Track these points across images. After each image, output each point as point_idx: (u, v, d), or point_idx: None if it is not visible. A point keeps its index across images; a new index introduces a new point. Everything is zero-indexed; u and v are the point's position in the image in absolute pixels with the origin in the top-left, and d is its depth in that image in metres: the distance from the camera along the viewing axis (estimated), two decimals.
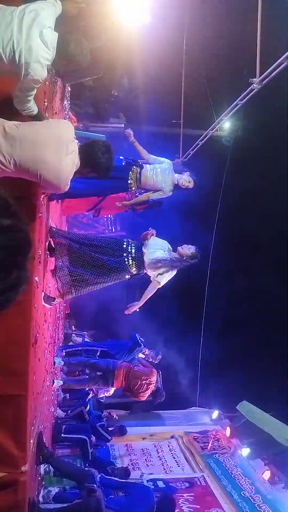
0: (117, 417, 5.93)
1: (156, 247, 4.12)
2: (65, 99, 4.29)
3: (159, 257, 4.05)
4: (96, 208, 4.73)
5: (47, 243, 3.60)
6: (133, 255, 3.97)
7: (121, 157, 4.38)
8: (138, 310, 4.38)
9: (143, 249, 4.04)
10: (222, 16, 7.16)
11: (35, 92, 2.49)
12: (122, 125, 8.30)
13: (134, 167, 4.36)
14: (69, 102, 4.71)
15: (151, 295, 4.21)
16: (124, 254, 3.94)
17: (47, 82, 2.98)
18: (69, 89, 4.63)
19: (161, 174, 4.38)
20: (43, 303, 3.46)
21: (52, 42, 2.39)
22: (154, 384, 5.52)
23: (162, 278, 4.13)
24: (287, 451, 6.04)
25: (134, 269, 3.98)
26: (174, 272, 4.19)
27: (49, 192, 3.16)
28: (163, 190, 4.43)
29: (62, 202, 4.65)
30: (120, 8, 4.34)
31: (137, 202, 4.67)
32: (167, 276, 4.15)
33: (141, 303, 4.25)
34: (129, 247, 3.99)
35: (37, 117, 2.65)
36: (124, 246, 3.99)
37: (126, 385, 5.41)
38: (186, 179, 4.46)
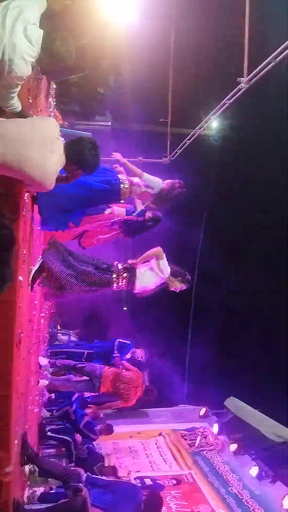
0: (103, 416, 5.91)
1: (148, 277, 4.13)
2: (50, 97, 4.25)
3: (149, 285, 4.10)
4: (80, 236, 4.63)
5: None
6: (123, 276, 3.99)
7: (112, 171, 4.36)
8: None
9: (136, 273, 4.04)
10: (210, 15, 7.18)
11: (18, 89, 2.46)
12: (109, 123, 8.27)
13: (123, 178, 4.34)
14: (54, 100, 4.67)
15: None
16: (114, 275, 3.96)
17: (31, 79, 2.95)
18: (54, 86, 4.59)
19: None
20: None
21: (36, 38, 2.36)
22: (141, 387, 5.51)
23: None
24: (274, 446, 6.12)
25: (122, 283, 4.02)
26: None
27: (34, 190, 3.13)
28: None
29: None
30: (106, 5, 4.31)
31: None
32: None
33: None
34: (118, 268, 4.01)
35: (21, 114, 2.62)
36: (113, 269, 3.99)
37: (113, 390, 5.37)
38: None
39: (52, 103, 4.44)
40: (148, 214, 4.54)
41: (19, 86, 2.45)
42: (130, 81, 7.83)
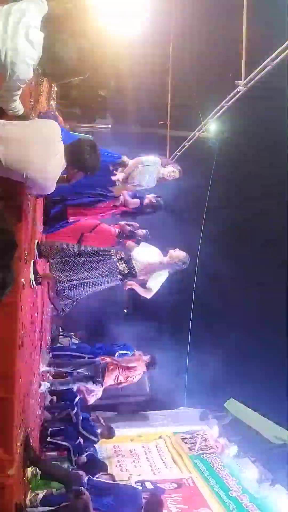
0: (104, 422, 5.87)
1: (146, 254, 4.14)
2: (52, 99, 4.27)
3: (150, 261, 4.08)
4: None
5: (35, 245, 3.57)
6: (123, 263, 3.99)
7: (111, 167, 4.38)
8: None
9: (132, 259, 4.06)
10: (208, 19, 7.23)
11: (20, 92, 2.47)
12: (109, 126, 8.31)
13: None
14: (55, 102, 4.69)
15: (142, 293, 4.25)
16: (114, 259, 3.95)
17: (33, 82, 2.96)
18: (56, 89, 4.61)
19: (147, 173, 4.39)
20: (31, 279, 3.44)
21: (38, 42, 2.37)
22: (142, 368, 5.50)
23: (155, 285, 4.17)
24: (274, 448, 6.11)
25: (126, 270, 4.00)
26: (165, 277, 4.21)
27: (35, 193, 3.14)
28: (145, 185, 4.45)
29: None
30: (107, 9, 4.34)
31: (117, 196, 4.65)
32: (159, 282, 4.19)
33: (137, 287, 4.25)
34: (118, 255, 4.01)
35: (23, 117, 2.63)
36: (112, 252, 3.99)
37: (118, 381, 5.37)
38: (170, 170, 4.47)
39: (53, 105, 4.45)
40: (149, 200, 4.58)
41: (21, 89, 2.46)
42: (131, 84, 7.88)
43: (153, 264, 4.09)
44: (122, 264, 3.93)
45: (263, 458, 6.12)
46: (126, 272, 3.98)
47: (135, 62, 7.16)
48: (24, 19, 2.32)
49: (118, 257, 3.94)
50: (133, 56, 6.80)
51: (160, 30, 7.11)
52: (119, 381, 5.39)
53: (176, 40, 7.35)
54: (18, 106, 2.54)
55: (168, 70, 7.44)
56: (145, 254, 4.11)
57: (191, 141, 7.23)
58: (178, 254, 4.18)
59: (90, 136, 4.38)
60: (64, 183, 2.91)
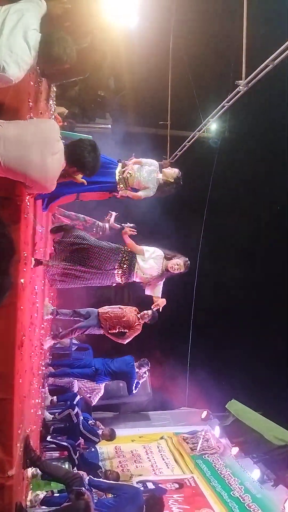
0: (102, 428, 5.85)
1: (150, 261, 4.20)
2: (51, 99, 4.26)
3: (153, 271, 4.17)
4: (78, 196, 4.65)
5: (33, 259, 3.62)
6: (124, 266, 4.10)
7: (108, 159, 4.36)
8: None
9: (137, 261, 4.13)
10: (209, 19, 7.22)
11: None
12: (109, 126, 8.29)
13: (120, 167, 4.34)
14: (54, 103, 4.68)
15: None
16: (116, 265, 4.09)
17: (32, 82, 2.95)
18: (55, 89, 4.61)
19: (147, 174, 4.38)
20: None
21: (34, 44, 2.35)
22: (134, 315, 5.48)
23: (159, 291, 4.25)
24: (276, 449, 6.08)
25: (122, 277, 4.15)
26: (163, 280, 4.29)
27: (35, 192, 3.13)
28: (150, 188, 4.43)
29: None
30: (106, 9, 4.34)
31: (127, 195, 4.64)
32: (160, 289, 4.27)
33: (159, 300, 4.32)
34: (123, 257, 4.12)
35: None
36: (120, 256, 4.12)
37: (118, 331, 5.40)
38: (170, 172, 4.46)
39: (52, 106, 4.45)
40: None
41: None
42: (130, 84, 7.87)
43: (155, 278, 4.20)
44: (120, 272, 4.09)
45: (265, 459, 6.10)
46: (121, 282, 4.17)
47: (135, 62, 7.15)
48: (23, 20, 2.31)
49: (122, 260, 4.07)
50: (133, 55, 6.79)
51: (160, 30, 7.11)
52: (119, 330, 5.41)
53: (176, 40, 7.34)
54: None
55: (168, 70, 7.42)
56: (149, 267, 4.18)
57: (191, 141, 7.22)
58: (176, 262, 4.23)
59: (89, 136, 4.36)
60: (63, 180, 2.88)
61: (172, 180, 4.41)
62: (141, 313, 5.45)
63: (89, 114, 7.77)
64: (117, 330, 5.40)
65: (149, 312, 5.36)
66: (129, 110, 8.31)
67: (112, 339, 5.46)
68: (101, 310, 5.57)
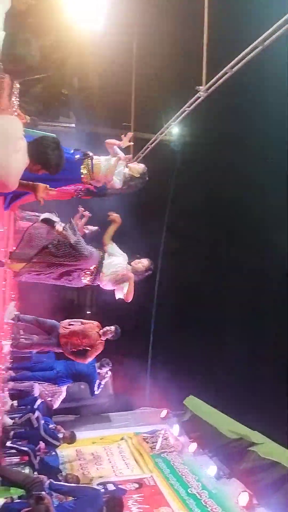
0: (63, 432, 5.76)
1: (116, 261, 4.18)
2: (14, 96, 4.17)
3: (118, 271, 4.15)
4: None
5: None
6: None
7: (71, 150, 4.30)
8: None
9: (103, 261, 4.09)
10: (172, 23, 7.32)
11: None
12: (73, 125, 8.21)
13: (85, 160, 4.30)
14: (17, 99, 4.58)
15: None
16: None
17: None
18: (18, 86, 4.51)
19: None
20: None
21: None
22: (96, 332, 5.23)
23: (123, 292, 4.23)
24: (230, 442, 6.27)
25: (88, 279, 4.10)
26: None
27: None
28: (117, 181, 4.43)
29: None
30: (70, 8, 4.30)
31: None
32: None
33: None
34: None
35: None
36: None
37: (77, 346, 5.14)
38: (136, 167, 4.48)
39: (15, 103, 4.35)
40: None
41: None
42: (95, 84, 7.84)
43: (120, 277, 4.18)
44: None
45: (220, 453, 6.27)
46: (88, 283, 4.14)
47: (99, 62, 7.12)
48: None
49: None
50: (97, 55, 6.77)
51: (124, 30, 7.12)
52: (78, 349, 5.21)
53: (140, 42, 7.39)
54: None
55: (132, 72, 7.46)
56: (112, 266, 4.17)
57: (154, 143, 7.28)
58: (139, 266, 4.25)
59: (53, 135, 4.29)
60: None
61: (138, 175, 4.42)
62: (103, 329, 5.21)
63: (53, 112, 7.66)
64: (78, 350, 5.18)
65: (112, 328, 5.19)
66: (93, 110, 8.26)
67: (72, 359, 5.20)
68: (62, 326, 5.22)
